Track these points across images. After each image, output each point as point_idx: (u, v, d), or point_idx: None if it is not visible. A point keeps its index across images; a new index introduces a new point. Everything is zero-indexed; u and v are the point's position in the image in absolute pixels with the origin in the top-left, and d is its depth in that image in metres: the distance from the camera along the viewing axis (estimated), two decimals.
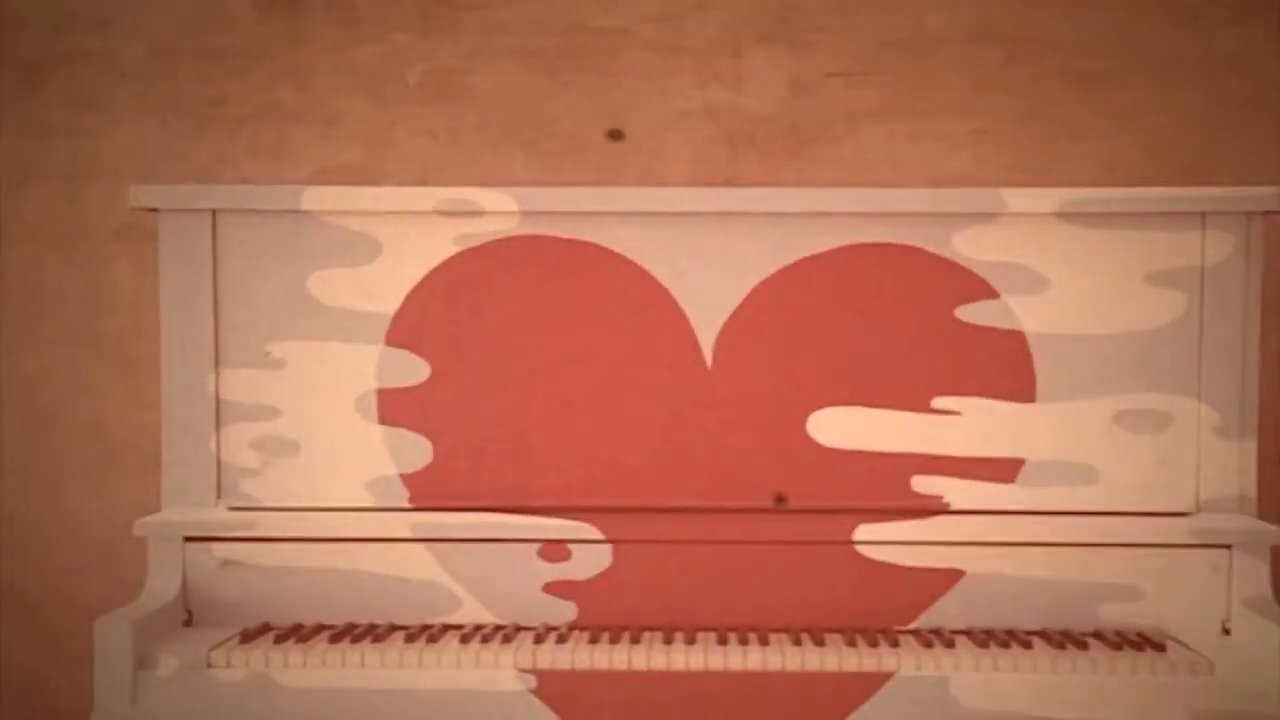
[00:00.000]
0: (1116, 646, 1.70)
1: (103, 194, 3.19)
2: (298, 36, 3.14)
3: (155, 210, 1.88)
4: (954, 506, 1.82)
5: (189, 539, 1.79)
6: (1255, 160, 2.89)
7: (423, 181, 2.71)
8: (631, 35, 3.07)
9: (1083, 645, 1.70)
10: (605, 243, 1.85)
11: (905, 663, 1.63)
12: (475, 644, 1.67)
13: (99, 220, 3.19)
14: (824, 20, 3.02)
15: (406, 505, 1.83)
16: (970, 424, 1.84)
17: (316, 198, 1.86)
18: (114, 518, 3.18)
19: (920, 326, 1.84)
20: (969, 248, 1.85)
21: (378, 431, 1.86)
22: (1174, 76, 3.06)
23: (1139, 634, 1.76)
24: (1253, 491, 1.83)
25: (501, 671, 1.63)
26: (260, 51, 3.15)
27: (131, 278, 3.20)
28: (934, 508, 1.82)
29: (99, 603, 3.15)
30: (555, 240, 1.85)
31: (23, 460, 3.20)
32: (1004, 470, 1.85)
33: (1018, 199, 1.85)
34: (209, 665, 1.63)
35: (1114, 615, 1.79)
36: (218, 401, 1.85)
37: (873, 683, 1.62)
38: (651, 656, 1.64)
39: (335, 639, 1.69)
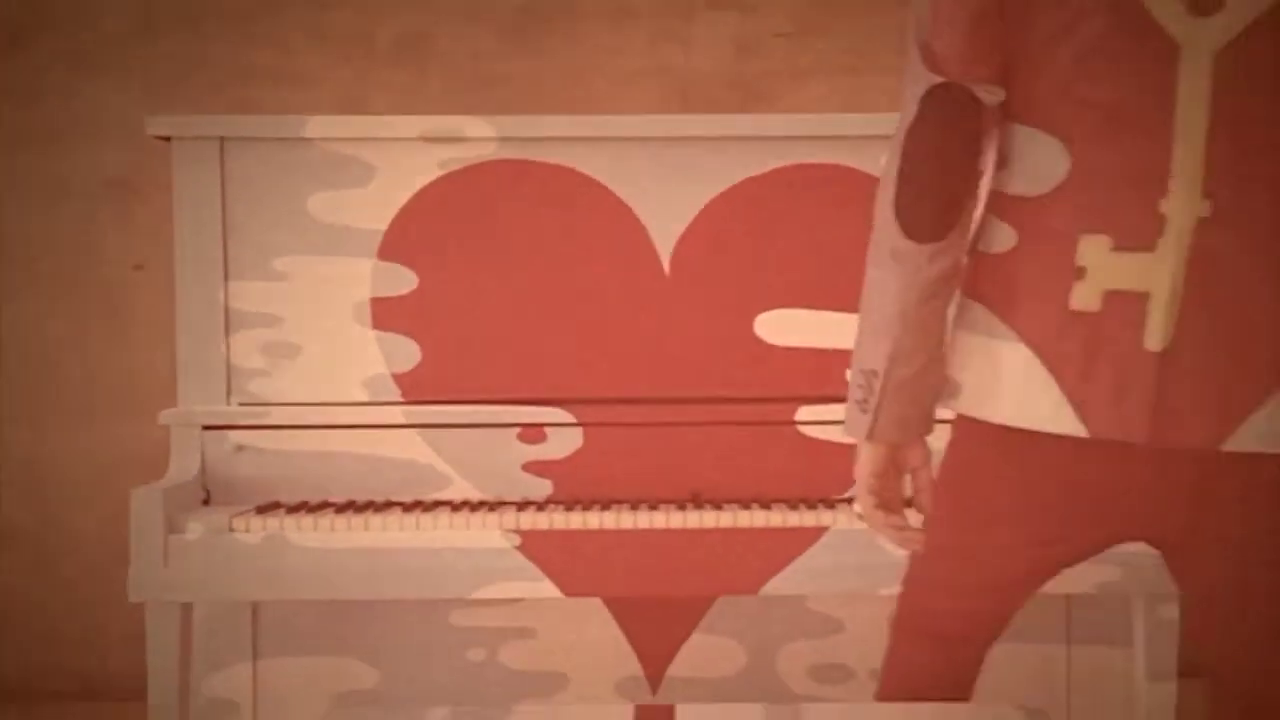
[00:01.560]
0: None
1: (89, 152, 3.40)
2: (274, 1, 3.37)
3: (169, 139, 2.12)
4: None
5: (206, 428, 2.04)
6: None
7: None
8: (588, 1, 3.33)
9: None
10: (575, 166, 2.11)
11: (839, 520, 1.90)
12: (465, 512, 1.93)
13: (86, 176, 3.41)
14: None
15: (399, 400, 2.08)
16: None
17: (316, 126, 2.10)
18: (105, 457, 3.41)
19: (856, 237, 2.11)
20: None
21: (371, 336, 2.10)
22: None
23: None
24: None
25: (489, 532, 1.88)
26: (239, 15, 3.38)
27: (118, 231, 3.42)
28: None
29: (92, 536, 3.38)
30: (530, 164, 2.11)
31: (18, 405, 3.41)
32: None
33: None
34: (230, 530, 1.88)
35: None
36: (227, 310, 2.09)
37: (811, 536, 1.89)
38: (620, 519, 1.90)
39: (339, 511, 1.95)
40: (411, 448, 2.06)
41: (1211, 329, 1.29)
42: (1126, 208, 1.29)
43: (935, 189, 1.33)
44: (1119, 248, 1.29)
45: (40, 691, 3.43)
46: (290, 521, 1.89)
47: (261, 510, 1.94)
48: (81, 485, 3.46)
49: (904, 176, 1.33)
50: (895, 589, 1.89)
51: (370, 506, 1.98)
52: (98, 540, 3.44)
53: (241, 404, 2.07)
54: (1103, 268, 1.30)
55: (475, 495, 2.06)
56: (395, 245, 2.10)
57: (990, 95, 1.34)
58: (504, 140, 2.11)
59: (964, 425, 1.43)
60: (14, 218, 3.40)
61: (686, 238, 2.10)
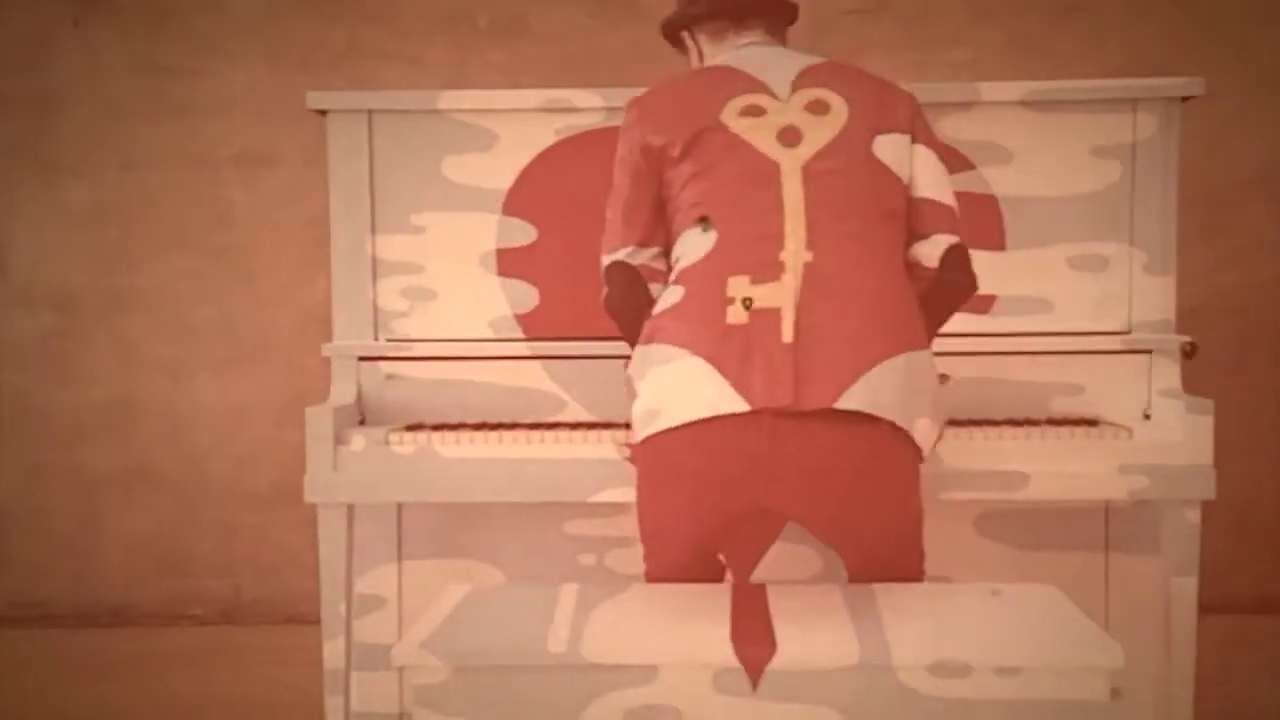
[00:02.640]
0: (1061, 422, 2.31)
1: (220, 127, 3.79)
2: None
3: (325, 112, 2.47)
4: (942, 330, 2.41)
5: (362, 359, 2.40)
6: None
7: None
8: None
9: (1037, 424, 2.30)
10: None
11: None
12: (583, 430, 2.27)
13: (216, 150, 3.79)
14: None
15: (521, 337, 2.43)
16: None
17: (449, 99, 2.45)
18: (235, 405, 3.79)
19: None
20: (952, 130, 2.44)
21: (496, 282, 2.46)
22: (1137, 10, 3.63)
23: (1081, 418, 2.36)
24: (1172, 314, 2.42)
25: (603, 445, 2.23)
26: (355, 2, 3.74)
27: (245, 198, 3.80)
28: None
29: (226, 477, 3.76)
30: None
31: (156, 357, 3.80)
32: (982, 303, 2.44)
33: (990, 90, 2.44)
34: (387, 443, 2.24)
35: (1063, 406, 2.40)
36: (374, 260, 2.45)
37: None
38: None
39: (476, 429, 2.30)
40: (531, 377, 2.41)
41: (821, 327, 1.92)
42: (759, 258, 1.95)
43: (628, 320, 2.08)
44: (755, 281, 1.94)
45: (181, 617, 3.83)
46: (436, 436, 2.25)
47: (410, 428, 2.31)
48: (215, 431, 3.85)
49: (609, 311, 2.10)
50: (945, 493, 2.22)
51: (500, 426, 2.34)
52: (231, 480, 3.84)
53: (388, 340, 2.44)
54: (744, 295, 1.93)
55: (587, 417, 2.41)
56: (517, 202, 2.45)
57: (655, 259, 2.07)
58: (610, 110, 2.45)
59: (645, 452, 1.98)
60: (156, 186, 3.80)
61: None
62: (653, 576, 2.05)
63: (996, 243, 2.44)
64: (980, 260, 2.43)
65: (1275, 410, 3.70)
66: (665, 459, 1.94)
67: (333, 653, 2.29)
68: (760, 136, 2.00)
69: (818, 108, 2.02)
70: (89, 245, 3.78)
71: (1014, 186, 2.44)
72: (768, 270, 1.93)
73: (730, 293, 1.92)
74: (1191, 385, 3.18)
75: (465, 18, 3.78)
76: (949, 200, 2.06)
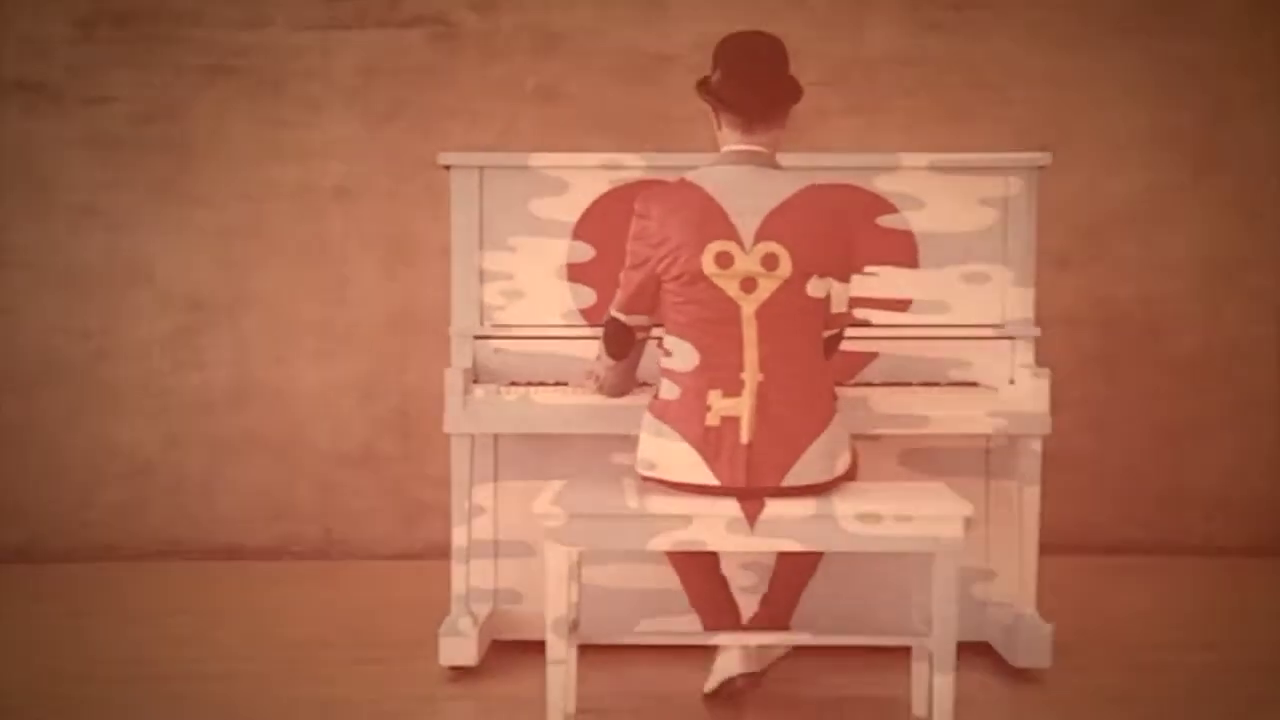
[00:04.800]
0: (953, 385, 3.45)
1: (320, 167, 4.88)
2: (455, 59, 4.84)
3: (449, 167, 3.59)
4: (873, 322, 3.55)
5: (477, 337, 3.51)
6: (1069, 143, 4.63)
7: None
8: (676, 59, 4.79)
9: (938, 384, 3.45)
10: (692, 178, 3.55)
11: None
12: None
13: (317, 184, 4.88)
14: (806, 46, 4.75)
15: (584, 324, 3.55)
16: (884, 280, 3.57)
17: (536, 159, 3.57)
18: (330, 386, 4.87)
19: (858, 226, 3.55)
20: (883, 184, 3.59)
21: (567, 286, 3.57)
22: (1032, 85, 4.80)
23: (967, 382, 3.51)
24: (1030, 314, 3.57)
25: (639, 397, 3.34)
26: (429, 70, 4.85)
27: (340, 223, 4.90)
28: (859, 321, 3.54)
29: (324, 444, 4.84)
30: (657, 179, 3.56)
31: (267, 346, 4.88)
32: (902, 304, 3.58)
33: (909, 158, 3.58)
34: (499, 393, 3.35)
35: (956, 374, 3.54)
36: (481, 270, 3.56)
37: None
38: None
39: (555, 385, 3.42)
40: (590, 351, 3.52)
41: (769, 431, 2.87)
42: (726, 377, 2.90)
43: (614, 347, 3.14)
44: (725, 395, 2.89)
45: (284, 553, 4.89)
46: (530, 390, 3.36)
47: (513, 384, 3.42)
48: (313, 406, 4.92)
49: (605, 336, 3.14)
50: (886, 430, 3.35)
51: (572, 383, 3.45)
52: (325, 445, 4.91)
53: (492, 325, 3.55)
54: (718, 405, 2.89)
55: None
56: (582, 231, 3.57)
57: (642, 321, 3.09)
58: (647, 167, 3.57)
59: (645, 481, 3.02)
60: (269, 213, 4.88)
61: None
62: None
63: (913, 263, 3.59)
64: (901, 275, 3.58)
65: (1132, 386, 4.86)
66: (659, 489, 2.98)
67: (459, 536, 3.40)
68: (728, 284, 2.89)
69: (770, 263, 2.88)
70: (216, 259, 4.85)
71: (925, 225, 3.59)
72: (733, 387, 2.88)
73: (709, 403, 2.88)
74: (1066, 368, 4.36)
75: (515, 84, 4.89)
76: (844, 309, 3.05)
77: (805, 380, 2.93)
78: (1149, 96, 4.80)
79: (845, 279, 3.04)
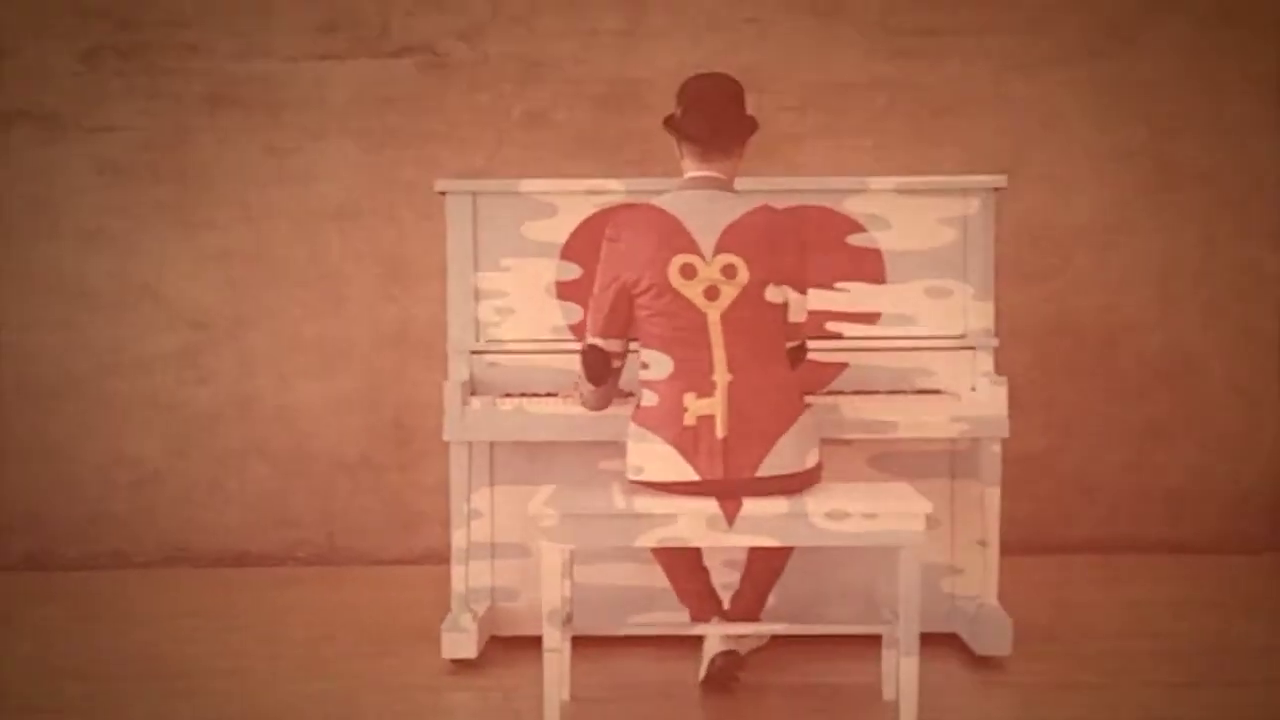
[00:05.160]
0: (919, 392, 3.71)
1: (319, 190, 5.13)
2: (444, 87, 5.10)
3: (444, 193, 3.84)
4: (844, 334, 3.81)
5: (473, 352, 3.76)
6: (1025, 169, 4.90)
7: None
8: (653, 85, 5.04)
9: (904, 392, 3.71)
10: (656, 202, 3.81)
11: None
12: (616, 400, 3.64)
13: (315, 207, 5.13)
14: (778, 73, 5.01)
15: (571, 338, 3.80)
16: (854, 295, 3.83)
17: (526, 185, 3.82)
18: (332, 401, 5.11)
19: (828, 245, 3.81)
20: (851, 206, 3.85)
21: (556, 303, 3.82)
22: (991, 109, 5.07)
23: (931, 389, 3.77)
24: (990, 325, 3.83)
25: (624, 407, 3.59)
26: (420, 98, 5.11)
27: (338, 244, 5.14)
28: (831, 334, 3.80)
29: (327, 452, 5.08)
30: (637, 202, 3.81)
31: (270, 362, 5.12)
32: (870, 317, 3.84)
33: (876, 182, 3.85)
34: (495, 404, 3.60)
35: (921, 382, 3.80)
36: (476, 289, 3.81)
37: None
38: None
39: (547, 395, 3.66)
40: (578, 363, 3.77)
41: (742, 426, 3.15)
42: (699, 380, 3.18)
43: (593, 374, 3.36)
44: (699, 397, 3.17)
45: (285, 558, 5.12)
46: (524, 401, 3.61)
47: (507, 395, 3.67)
48: (314, 418, 5.15)
49: (585, 372, 3.37)
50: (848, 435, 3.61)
51: (561, 393, 3.70)
52: (326, 455, 5.15)
53: (487, 340, 3.80)
54: (693, 406, 3.17)
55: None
56: (569, 251, 3.82)
57: (617, 345, 3.32)
58: (627, 192, 3.83)
59: (633, 484, 3.27)
60: (270, 235, 5.11)
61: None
62: None
63: (880, 278, 3.85)
64: (869, 290, 3.84)
65: (1092, 392, 5.12)
66: (646, 491, 3.22)
67: (459, 538, 3.65)
68: (693, 293, 3.19)
69: (729, 272, 3.19)
70: (219, 279, 5.08)
71: (891, 243, 3.85)
72: (705, 389, 3.17)
73: (685, 405, 3.17)
74: (1030, 375, 4.62)
75: (502, 110, 5.14)
76: (802, 319, 3.32)
77: (772, 379, 3.22)
78: (1104, 116, 5.08)
79: (801, 290, 3.31)
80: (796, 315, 3.32)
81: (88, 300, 5.06)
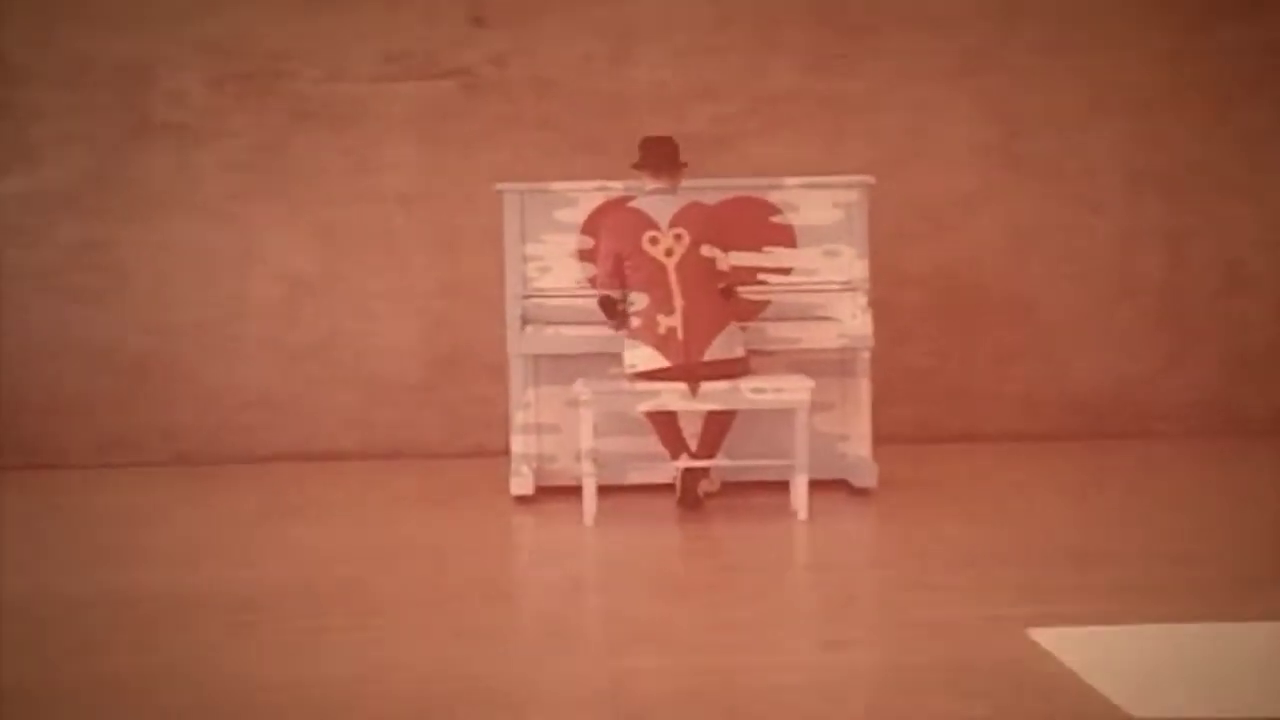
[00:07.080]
0: (817, 319, 6.34)
1: (385, 180, 7.68)
2: (479, 101, 7.64)
3: (501, 192, 6.42)
4: (769, 282, 6.42)
5: (524, 297, 6.34)
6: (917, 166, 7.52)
7: (535, 174, 7.22)
8: (640, 97, 7.63)
9: (809, 319, 6.34)
10: (632, 203, 6.37)
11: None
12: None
13: (386, 193, 7.69)
14: (727, 85, 7.61)
15: (589, 288, 6.39)
16: (774, 256, 6.34)
17: (557, 186, 6.34)
18: (401, 337, 7.66)
19: (757, 222, 6.39)
20: (773, 196, 6.44)
21: (577, 264, 6.40)
22: (886, 117, 7.68)
23: (825, 317, 6.39)
24: (866, 275, 6.40)
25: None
26: (461, 109, 7.65)
27: (403, 221, 7.71)
28: (760, 282, 6.40)
29: (394, 382, 7.66)
30: (623, 200, 6.38)
31: (349, 310, 7.68)
32: (785, 271, 6.44)
33: (789, 180, 6.42)
34: (540, 330, 6.18)
35: (820, 312, 6.38)
36: (524, 255, 6.38)
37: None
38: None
39: (577, 324, 6.27)
40: (592, 305, 6.32)
41: (692, 331, 5.60)
42: (665, 306, 5.61)
43: (608, 313, 6.01)
44: (665, 316, 5.61)
45: (367, 454, 7.66)
46: (561, 327, 6.21)
47: (550, 322, 6.28)
48: (388, 351, 7.70)
49: (602, 311, 5.93)
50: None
51: (585, 323, 6.28)
52: (399, 379, 7.69)
53: (533, 288, 6.40)
54: (663, 322, 5.58)
55: None
56: (586, 228, 6.31)
57: (618, 292, 5.83)
58: (626, 188, 6.39)
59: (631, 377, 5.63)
60: (349, 215, 7.64)
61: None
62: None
63: (793, 244, 6.42)
64: (785, 252, 6.40)
65: (962, 323, 7.75)
66: (639, 379, 5.64)
67: (518, 419, 6.20)
68: (657, 253, 5.61)
69: (679, 239, 5.57)
70: (311, 248, 7.60)
71: (801, 220, 6.36)
72: (669, 311, 5.55)
73: (657, 321, 5.57)
74: (917, 312, 7.30)
75: (522, 119, 7.67)
76: (726, 269, 5.73)
77: (709, 303, 5.56)
78: (970, 118, 7.72)
79: (725, 250, 5.75)
80: (722, 265, 5.69)
81: (215, 264, 7.60)
